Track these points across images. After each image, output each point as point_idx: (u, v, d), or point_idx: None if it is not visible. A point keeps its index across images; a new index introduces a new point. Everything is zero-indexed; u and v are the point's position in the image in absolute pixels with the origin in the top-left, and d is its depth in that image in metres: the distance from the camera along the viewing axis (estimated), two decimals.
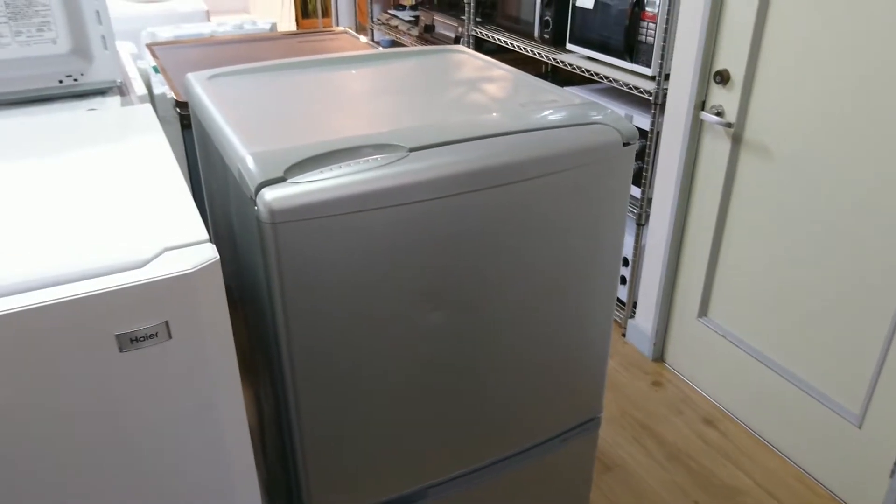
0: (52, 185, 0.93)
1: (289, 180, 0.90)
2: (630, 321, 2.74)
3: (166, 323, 0.75)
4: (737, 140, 2.13)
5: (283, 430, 1.06)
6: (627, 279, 2.70)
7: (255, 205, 0.89)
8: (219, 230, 1.31)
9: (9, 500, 0.75)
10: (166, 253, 0.77)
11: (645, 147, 2.45)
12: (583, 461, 1.30)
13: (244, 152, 0.96)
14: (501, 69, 1.33)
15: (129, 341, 0.74)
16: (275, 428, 1.11)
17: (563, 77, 2.99)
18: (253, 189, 0.90)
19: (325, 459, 1.03)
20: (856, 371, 1.94)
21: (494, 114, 1.09)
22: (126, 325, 0.74)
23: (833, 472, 2.06)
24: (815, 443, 2.09)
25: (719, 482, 2.12)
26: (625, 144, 1.09)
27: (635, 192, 2.56)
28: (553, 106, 1.13)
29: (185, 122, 1.74)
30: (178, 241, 0.79)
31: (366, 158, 0.95)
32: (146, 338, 0.75)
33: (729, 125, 2.11)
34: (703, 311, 2.42)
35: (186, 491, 0.87)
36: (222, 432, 0.86)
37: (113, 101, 1.50)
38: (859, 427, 1.94)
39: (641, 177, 2.50)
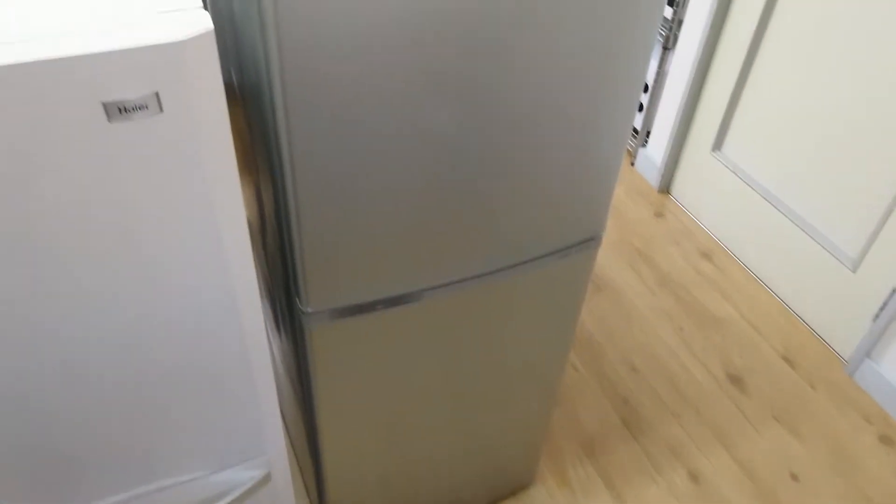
0: None
1: None
2: (641, 150, 2.67)
3: (156, 94, 0.70)
4: None
5: (281, 226, 1.04)
6: (645, 106, 2.60)
7: None
8: (218, 13, 1.21)
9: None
10: (157, 16, 0.70)
11: None
12: (578, 279, 1.30)
13: None
14: None
15: (117, 111, 0.70)
16: (275, 224, 1.10)
17: None
18: None
19: (322, 255, 1.03)
20: (861, 216, 1.92)
21: None
22: (113, 92, 0.68)
23: (819, 312, 2.11)
24: (807, 282, 2.13)
25: (705, 311, 2.18)
26: None
27: (666, 12, 2.39)
28: None
29: None
30: (168, 6, 0.72)
31: None
32: (135, 109, 0.70)
33: None
34: (718, 144, 2.35)
35: (186, 285, 0.87)
36: (219, 222, 0.84)
37: None
38: (854, 271, 1.95)
39: None
